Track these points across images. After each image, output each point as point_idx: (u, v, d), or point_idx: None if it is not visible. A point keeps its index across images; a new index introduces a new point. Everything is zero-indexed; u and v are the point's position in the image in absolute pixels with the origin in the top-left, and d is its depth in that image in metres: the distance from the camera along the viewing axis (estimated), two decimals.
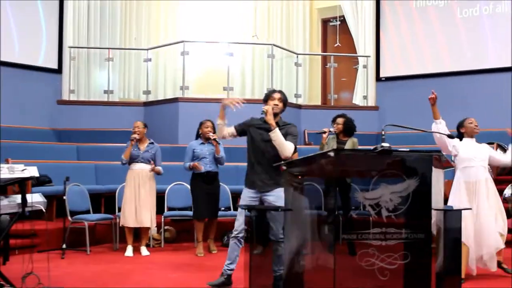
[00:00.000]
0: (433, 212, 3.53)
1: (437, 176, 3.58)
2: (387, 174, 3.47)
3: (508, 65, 10.37)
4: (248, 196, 4.82)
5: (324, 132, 7.05)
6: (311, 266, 3.79)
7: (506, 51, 10.36)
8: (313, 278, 3.74)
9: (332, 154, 3.30)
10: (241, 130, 5.14)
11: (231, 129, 5.12)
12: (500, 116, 10.12)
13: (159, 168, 7.06)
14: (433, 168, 3.54)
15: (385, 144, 3.44)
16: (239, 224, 4.86)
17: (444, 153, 5.17)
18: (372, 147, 3.53)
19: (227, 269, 5.07)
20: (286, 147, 4.43)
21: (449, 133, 4.27)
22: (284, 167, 3.78)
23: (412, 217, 3.48)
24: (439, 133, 4.31)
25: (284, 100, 4.91)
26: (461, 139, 5.74)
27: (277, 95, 4.88)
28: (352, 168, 3.54)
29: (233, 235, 4.92)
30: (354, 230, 3.37)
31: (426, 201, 3.48)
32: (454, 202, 5.32)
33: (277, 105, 4.84)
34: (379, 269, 3.38)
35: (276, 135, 4.56)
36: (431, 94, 5.38)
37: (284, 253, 3.98)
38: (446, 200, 6.20)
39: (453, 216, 3.67)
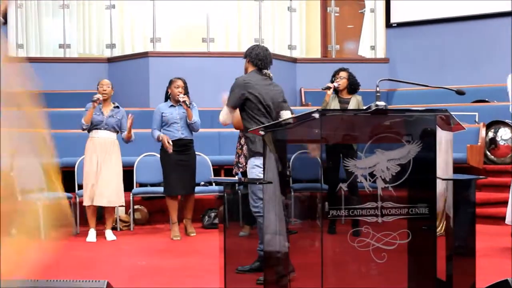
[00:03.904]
0: (440, 183, 3.57)
1: (444, 139, 3.60)
2: (383, 139, 3.48)
3: None
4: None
5: (329, 88, 7.09)
6: (296, 247, 3.84)
7: None
8: (299, 261, 3.79)
9: (316, 115, 3.30)
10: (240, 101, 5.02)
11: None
12: None
13: (130, 134, 7.09)
14: (439, 130, 3.56)
15: (380, 103, 3.45)
16: None
17: None
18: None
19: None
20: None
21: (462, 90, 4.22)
22: (262, 132, 3.79)
23: (413, 188, 3.51)
24: (444, 87, 4.25)
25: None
26: None
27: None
28: (341, 132, 3.55)
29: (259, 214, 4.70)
30: (344, 205, 3.40)
31: (430, 169, 3.51)
32: None
33: None
34: (375, 250, 3.42)
35: None
36: None
37: (265, 232, 4.01)
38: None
39: (464, 187, 3.70)
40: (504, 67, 10.47)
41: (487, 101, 9.92)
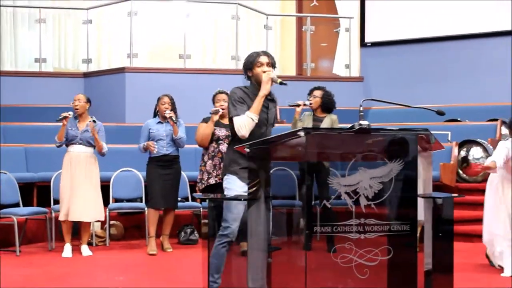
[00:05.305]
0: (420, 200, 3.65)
1: (424, 158, 3.69)
2: (366, 157, 3.56)
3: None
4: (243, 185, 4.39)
5: (298, 105, 7.18)
6: (280, 264, 3.88)
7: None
8: (282, 278, 3.83)
9: (302, 133, 3.37)
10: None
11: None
12: (509, 88, 10.41)
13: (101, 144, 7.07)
14: (420, 150, 3.64)
15: (364, 122, 3.52)
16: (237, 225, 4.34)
17: None
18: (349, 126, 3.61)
19: (215, 286, 4.42)
20: None
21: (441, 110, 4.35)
22: (247, 149, 3.84)
23: (395, 206, 3.58)
24: (425, 108, 4.38)
25: (274, 63, 4.57)
26: None
27: (264, 59, 4.50)
28: (325, 150, 3.62)
29: (225, 240, 4.30)
30: (328, 222, 3.46)
31: (411, 187, 3.59)
32: None
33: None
34: (357, 266, 3.48)
35: None
36: None
37: (250, 248, 4.05)
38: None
39: (443, 205, 3.78)
40: (476, 87, 10.72)
41: (459, 121, 10.10)
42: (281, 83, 4.32)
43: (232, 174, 4.38)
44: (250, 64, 4.52)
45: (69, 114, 6.98)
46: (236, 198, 4.05)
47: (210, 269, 4.27)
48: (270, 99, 4.47)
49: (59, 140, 6.98)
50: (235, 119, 4.30)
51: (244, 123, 4.24)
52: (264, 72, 4.39)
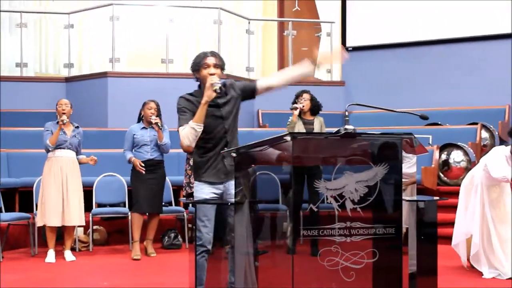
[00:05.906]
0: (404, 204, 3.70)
1: (409, 162, 3.73)
2: (352, 161, 3.60)
3: (499, 32, 10.78)
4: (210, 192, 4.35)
5: (296, 109, 7.23)
6: (264, 268, 3.91)
7: (493, 17, 10.76)
8: (267, 283, 3.85)
9: (288, 138, 3.40)
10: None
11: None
12: (489, 92, 10.54)
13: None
14: (404, 154, 3.69)
15: (349, 127, 3.55)
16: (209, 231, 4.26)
17: None
18: (335, 130, 3.65)
19: None
20: None
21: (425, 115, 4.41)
22: (234, 154, 3.86)
23: (380, 209, 3.62)
24: (409, 112, 4.43)
25: (222, 65, 4.39)
26: None
27: (211, 60, 4.30)
28: (311, 154, 3.65)
29: (201, 250, 4.23)
30: (314, 225, 3.49)
31: (396, 191, 3.64)
32: None
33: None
34: (344, 269, 3.51)
35: None
36: None
37: (236, 252, 4.06)
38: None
39: (426, 208, 3.84)
40: (456, 91, 10.83)
41: (440, 124, 10.20)
42: (215, 91, 4.15)
43: (197, 180, 4.37)
44: (196, 65, 4.36)
45: (66, 119, 6.96)
46: (224, 202, 4.07)
47: (196, 281, 4.23)
48: (222, 95, 4.29)
49: (52, 144, 6.94)
50: (179, 130, 4.24)
51: (187, 134, 4.19)
52: (211, 74, 4.25)
